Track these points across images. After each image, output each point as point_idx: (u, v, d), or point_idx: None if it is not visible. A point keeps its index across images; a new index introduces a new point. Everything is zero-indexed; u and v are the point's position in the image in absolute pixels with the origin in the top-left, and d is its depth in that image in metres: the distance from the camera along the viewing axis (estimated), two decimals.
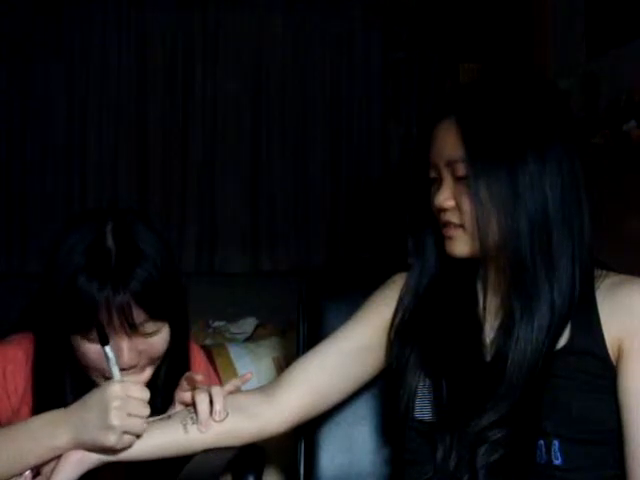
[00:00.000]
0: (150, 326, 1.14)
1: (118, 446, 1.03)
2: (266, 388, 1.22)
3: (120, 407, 1.01)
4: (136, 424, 1.03)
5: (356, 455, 1.36)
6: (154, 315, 1.14)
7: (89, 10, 3.68)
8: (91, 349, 1.12)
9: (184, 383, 1.17)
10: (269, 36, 3.81)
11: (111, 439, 1.02)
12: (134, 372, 1.15)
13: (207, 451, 1.13)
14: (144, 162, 3.75)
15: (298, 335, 1.42)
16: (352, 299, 1.27)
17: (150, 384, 1.19)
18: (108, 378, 1.13)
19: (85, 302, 1.09)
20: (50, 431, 1.04)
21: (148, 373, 1.08)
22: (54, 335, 1.16)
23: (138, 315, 1.12)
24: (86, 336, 1.12)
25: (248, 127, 3.82)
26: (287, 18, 3.82)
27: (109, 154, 3.72)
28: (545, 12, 3.14)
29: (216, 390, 1.12)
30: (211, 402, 1.12)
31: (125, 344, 1.13)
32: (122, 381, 1.04)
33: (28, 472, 1.05)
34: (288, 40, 3.83)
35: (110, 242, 1.13)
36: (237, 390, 1.19)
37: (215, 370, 1.44)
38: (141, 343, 1.15)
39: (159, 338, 1.16)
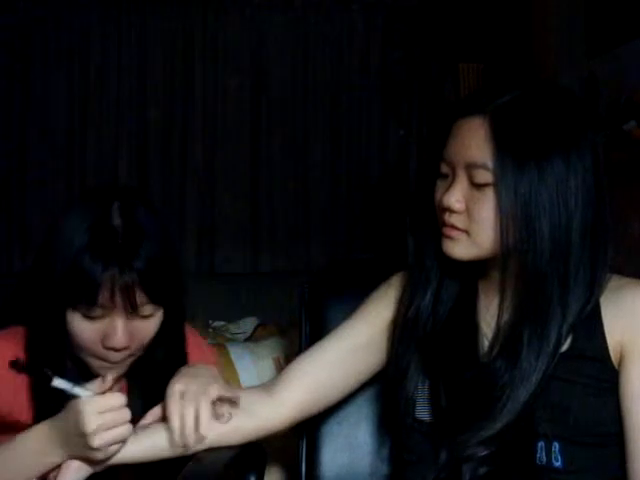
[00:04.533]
0: (148, 309, 1.14)
1: (107, 457, 1.03)
2: (266, 386, 1.22)
3: (97, 428, 0.99)
4: (119, 434, 1.02)
5: (357, 454, 1.36)
6: (154, 298, 1.13)
7: (89, 10, 3.68)
8: (87, 327, 1.12)
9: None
10: (269, 36, 3.82)
11: (98, 455, 1.02)
12: (122, 360, 1.15)
13: (207, 451, 1.12)
14: (144, 162, 3.75)
15: (300, 335, 1.42)
16: (354, 299, 1.27)
17: (147, 370, 1.20)
18: (101, 359, 1.14)
19: (89, 281, 1.08)
20: (43, 449, 1.04)
21: (109, 381, 1.07)
22: (50, 314, 1.14)
23: (139, 296, 1.11)
24: (86, 314, 1.11)
25: (248, 127, 3.82)
26: (287, 18, 3.82)
27: (109, 154, 3.72)
28: (545, 12, 3.14)
29: (204, 404, 1.09)
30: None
31: (121, 324, 1.12)
32: (91, 397, 1.02)
33: None
34: (288, 40, 3.83)
35: (117, 221, 1.12)
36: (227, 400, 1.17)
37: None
38: (135, 325, 1.14)
39: (153, 321, 1.16)
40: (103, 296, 1.09)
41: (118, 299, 1.10)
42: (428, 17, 3.80)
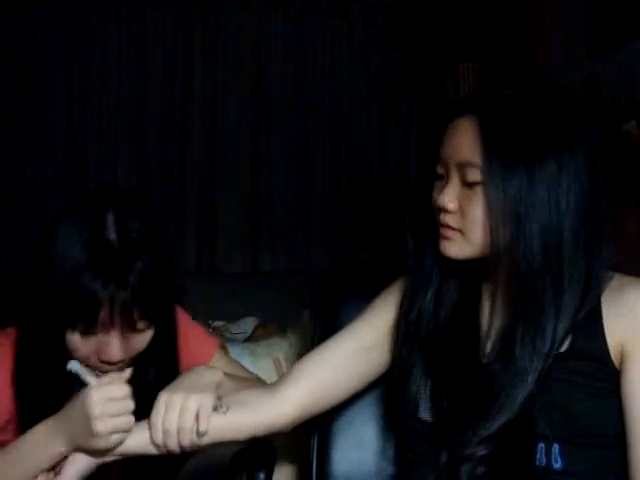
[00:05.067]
0: (142, 324, 1.14)
1: (110, 446, 1.04)
2: (272, 384, 1.23)
3: (101, 413, 1.01)
4: (122, 422, 1.03)
5: (365, 453, 1.36)
6: (148, 314, 1.13)
7: (90, 10, 3.68)
8: (84, 343, 1.12)
9: None
10: (269, 36, 3.82)
11: (101, 444, 1.03)
12: (118, 368, 1.15)
13: (210, 446, 1.12)
14: (144, 162, 3.75)
15: (313, 335, 1.42)
16: (367, 298, 1.26)
17: (139, 386, 1.20)
18: (95, 368, 1.14)
19: (89, 299, 1.08)
20: (47, 441, 1.06)
21: (128, 372, 1.07)
22: (48, 331, 1.13)
23: (134, 312, 1.11)
24: (83, 332, 1.11)
25: (248, 127, 3.83)
26: (287, 18, 3.83)
27: (109, 154, 3.73)
28: (545, 12, 3.14)
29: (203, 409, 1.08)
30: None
31: (117, 340, 1.12)
32: (99, 386, 1.03)
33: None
34: (288, 40, 3.83)
35: (113, 236, 1.11)
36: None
37: None
38: (130, 339, 1.14)
39: (147, 334, 1.16)
40: (102, 315, 1.09)
41: (117, 317, 1.10)
42: (428, 17, 3.80)
